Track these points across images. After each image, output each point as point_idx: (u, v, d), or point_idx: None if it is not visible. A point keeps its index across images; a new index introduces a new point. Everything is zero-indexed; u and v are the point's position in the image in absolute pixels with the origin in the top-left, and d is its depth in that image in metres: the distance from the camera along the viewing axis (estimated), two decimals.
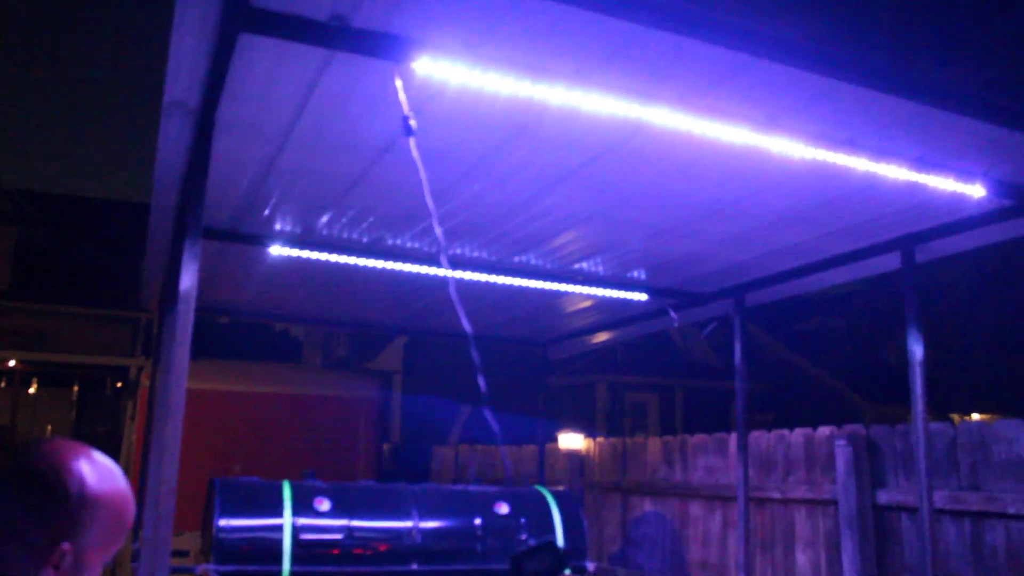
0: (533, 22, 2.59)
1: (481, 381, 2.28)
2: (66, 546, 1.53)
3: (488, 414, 2.28)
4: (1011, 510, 4.68)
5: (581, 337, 7.91)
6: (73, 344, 17.66)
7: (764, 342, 23.85)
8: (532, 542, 6.27)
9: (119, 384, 18.59)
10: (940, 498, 4.99)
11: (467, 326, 2.52)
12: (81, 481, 1.56)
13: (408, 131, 2.63)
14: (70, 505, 1.55)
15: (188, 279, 3.03)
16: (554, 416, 15.50)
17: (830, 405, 20.75)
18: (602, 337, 7.96)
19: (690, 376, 21.76)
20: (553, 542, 6.23)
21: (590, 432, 10.50)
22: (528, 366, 8.98)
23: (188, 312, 2.99)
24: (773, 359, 23.78)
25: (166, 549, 2.87)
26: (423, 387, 19.16)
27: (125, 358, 17.43)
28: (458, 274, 5.44)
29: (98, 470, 1.61)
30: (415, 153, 2.64)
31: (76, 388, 20.01)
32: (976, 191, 3.77)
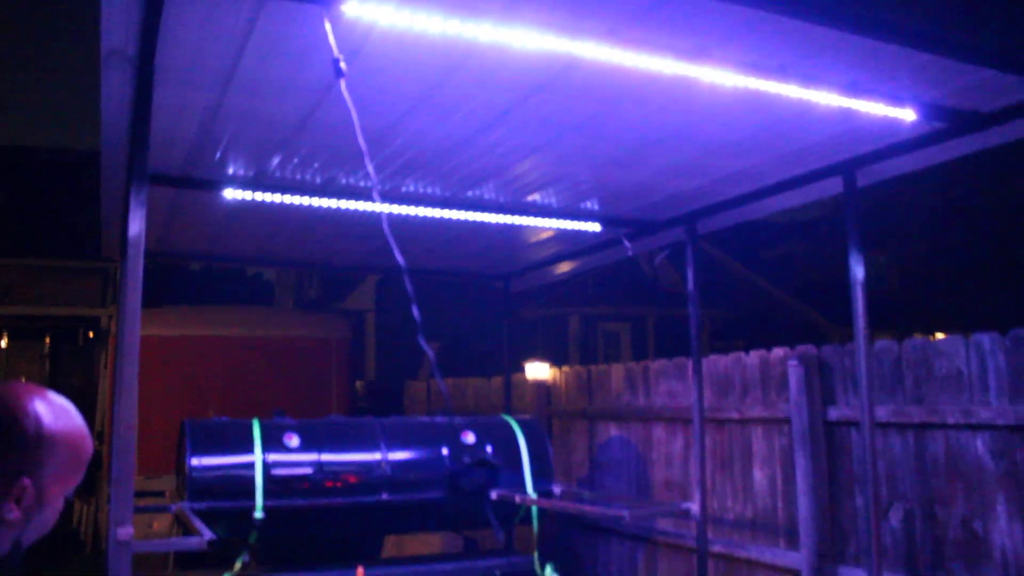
0: None
1: (415, 312, 2.39)
2: (26, 481, 1.64)
3: (423, 343, 2.39)
4: (950, 420, 4.89)
5: (542, 269, 8.02)
6: (43, 296, 17.60)
7: (734, 270, 24.11)
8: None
9: (91, 335, 18.59)
10: (886, 412, 5.20)
11: (400, 260, 2.62)
12: (37, 420, 1.66)
13: (339, 73, 2.70)
14: (28, 443, 1.64)
15: (136, 225, 3.11)
16: (527, 348, 15.70)
17: (799, 329, 21.11)
18: (563, 268, 8.07)
19: (661, 304, 22.01)
20: (487, 459, 6.43)
21: (563, 362, 10.69)
22: (496, 300, 9.11)
23: (138, 257, 3.08)
24: (743, 285, 24.07)
25: (129, 482, 3.00)
26: (396, 325, 19.29)
27: (96, 308, 17.41)
28: (412, 210, 5.53)
29: (53, 409, 1.72)
30: (346, 95, 2.71)
31: (48, 340, 19.98)
32: (907, 115, 3.89)
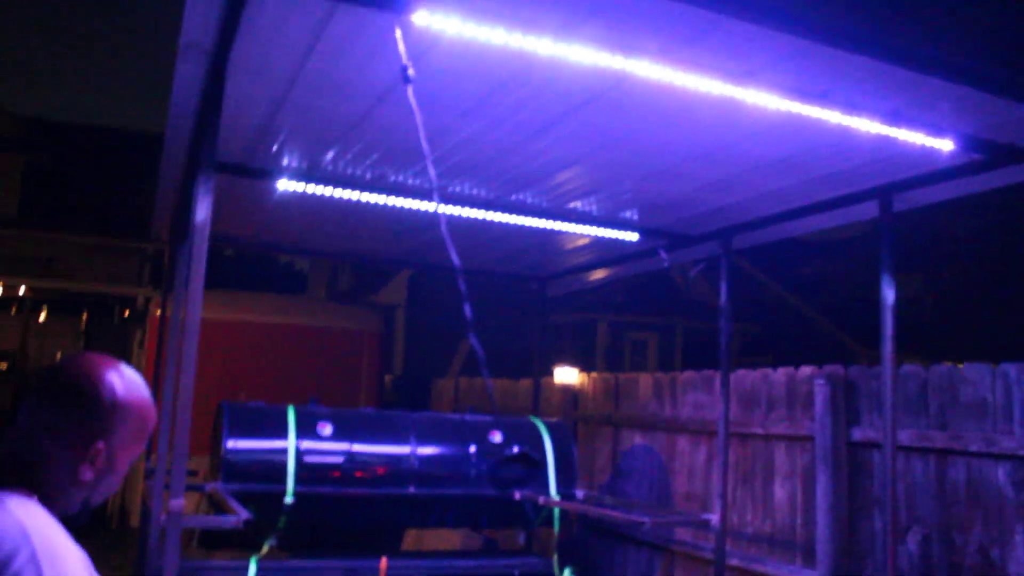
0: None
1: (467, 309, 2.52)
2: (100, 445, 1.80)
3: (474, 341, 2.52)
4: (972, 448, 4.95)
5: (578, 274, 8.14)
6: (82, 272, 17.94)
7: (767, 286, 24.07)
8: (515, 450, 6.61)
9: (126, 313, 18.92)
10: (908, 436, 5.26)
11: (456, 260, 2.76)
12: (112, 389, 1.82)
13: (406, 79, 2.85)
14: (103, 410, 1.80)
15: (202, 212, 3.28)
16: (554, 353, 15.81)
17: (826, 348, 21.03)
18: (598, 275, 8.20)
19: (690, 315, 22.01)
20: (528, 452, 6.55)
21: (590, 368, 10.79)
22: (528, 302, 9.25)
23: (203, 243, 3.26)
24: (773, 302, 24.02)
25: (184, 458, 3.16)
26: (426, 321, 19.45)
27: (133, 287, 17.73)
28: (456, 211, 5.68)
29: (126, 380, 1.87)
30: (412, 100, 2.86)
31: (85, 316, 20.33)
32: (945, 145, 3.98)
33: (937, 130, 3.89)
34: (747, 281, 23.10)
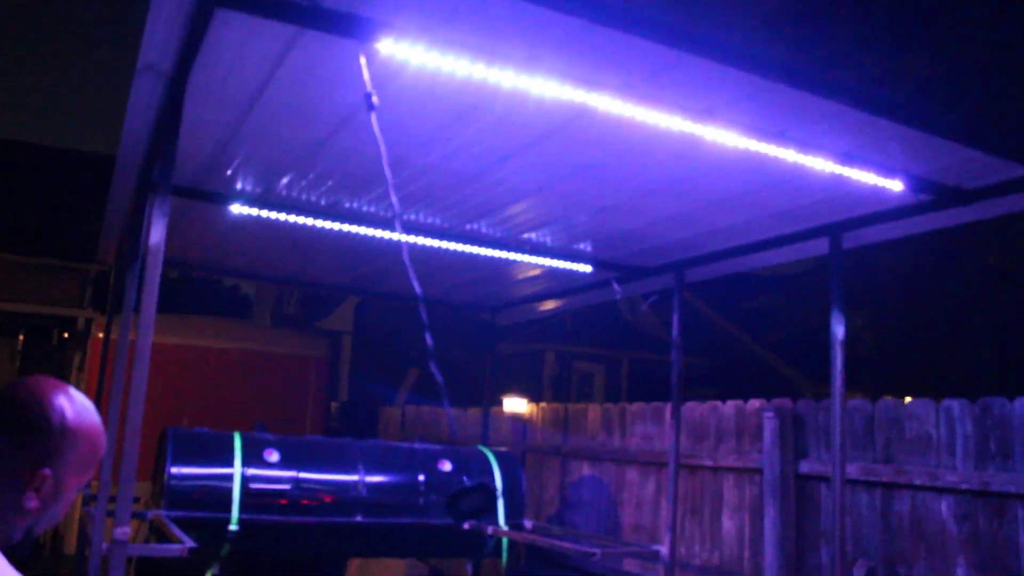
0: (488, 10, 2.81)
1: (428, 338, 2.51)
2: (47, 471, 1.71)
3: (435, 369, 2.50)
4: (916, 481, 5.04)
5: (529, 304, 8.15)
6: (19, 293, 17.48)
7: (711, 319, 24.30)
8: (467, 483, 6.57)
9: (65, 335, 18.46)
10: (855, 469, 5.34)
11: (417, 288, 2.75)
12: (61, 414, 1.74)
13: (370, 107, 2.84)
14: (52, 435, 1.72)
15: (157, 235, 3.22)
16: (502, 382, 15.78)
17: (771, 382, 21.27)
18: (549, 305, 8.21)
19: (637, 348, 22.17)
20: (486, 483, 6.52)
21: (537, 398, 10.78)
22: (477, 331, 9.23)
23: (156, 266, 3.20)
24: (719, 336, 24.26)
25: (131, 485, 3.09)
26: (372, 348, 19.33)
27: (73, 309, 17.32)
28: (411, 239, 5.65)
29: (75, 405, 1.80)
30: (376, 128, 2.85)
31: (21, 337, 19.82)
32: (895, 185, 4.07)
33: (887, 171, 3.98)
34: (693, 314, 23.30)
